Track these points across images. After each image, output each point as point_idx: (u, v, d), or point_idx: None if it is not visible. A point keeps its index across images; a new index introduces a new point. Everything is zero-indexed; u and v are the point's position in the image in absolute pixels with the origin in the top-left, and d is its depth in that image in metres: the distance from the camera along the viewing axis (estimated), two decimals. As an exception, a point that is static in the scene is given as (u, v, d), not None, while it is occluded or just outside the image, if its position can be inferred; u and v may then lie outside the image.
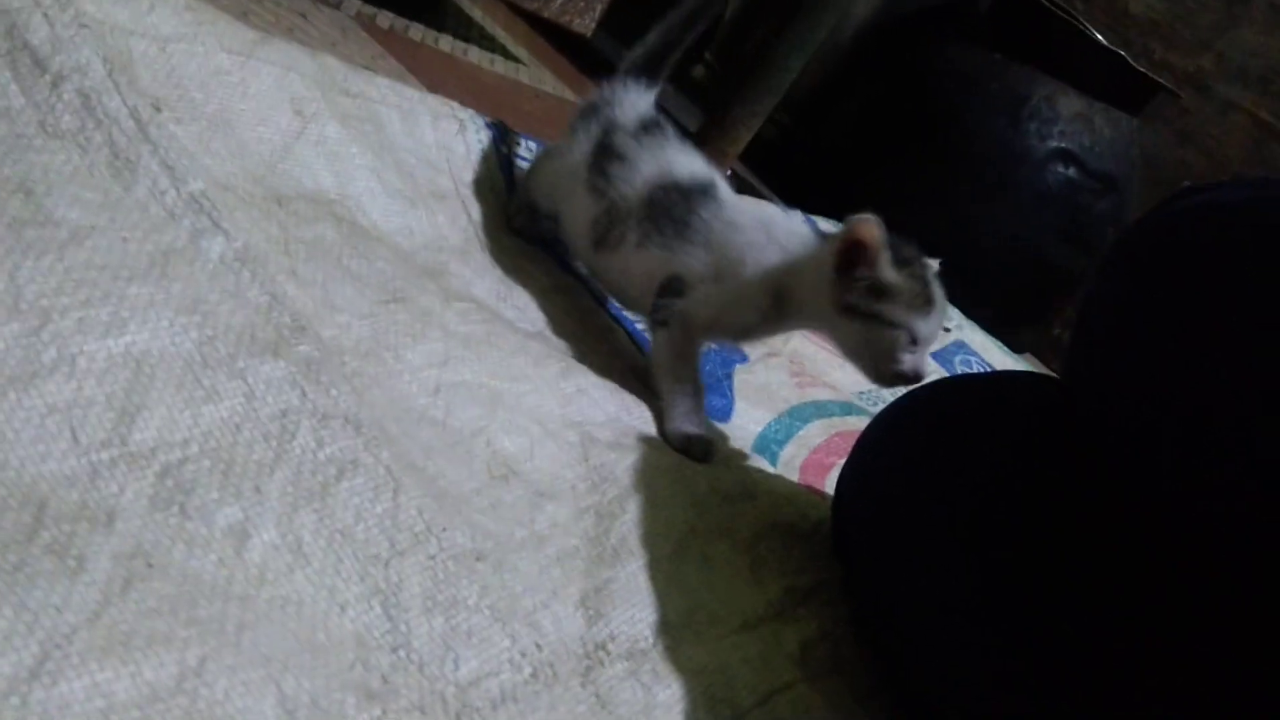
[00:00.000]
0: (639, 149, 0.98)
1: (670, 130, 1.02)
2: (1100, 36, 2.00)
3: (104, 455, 0.51)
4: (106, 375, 0.54)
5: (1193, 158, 2.37)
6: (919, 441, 0.83)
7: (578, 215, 1.01)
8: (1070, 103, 1.94)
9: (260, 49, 0.89)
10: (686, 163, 0.98)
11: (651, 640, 0.65)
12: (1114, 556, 0.68)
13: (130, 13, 0.78)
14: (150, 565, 0.47)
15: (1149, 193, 2.23)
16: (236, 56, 0.86)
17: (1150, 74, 1.97)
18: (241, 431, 0.56)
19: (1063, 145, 1.92)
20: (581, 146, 1.01)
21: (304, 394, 0.61)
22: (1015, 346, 2.10)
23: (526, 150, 1.20)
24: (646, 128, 1.00)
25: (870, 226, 0.85)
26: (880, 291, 0.86)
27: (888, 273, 0.86)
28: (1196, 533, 0.64)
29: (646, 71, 1.05)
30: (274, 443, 0.57)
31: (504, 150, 1.17)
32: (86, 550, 0.45)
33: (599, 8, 1.78)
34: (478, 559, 0.60)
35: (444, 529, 0.60)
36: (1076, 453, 0.73)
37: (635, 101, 1.03)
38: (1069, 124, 1.93)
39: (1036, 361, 2.32)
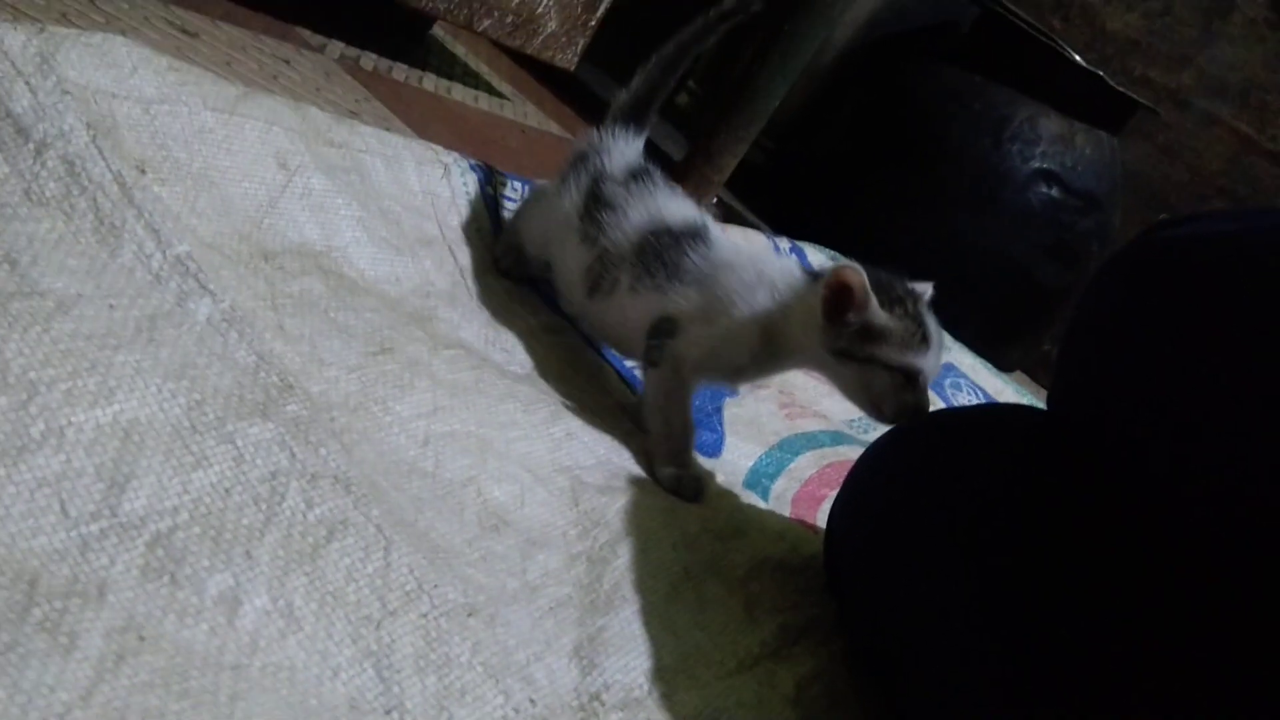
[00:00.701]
0: (629, 196, 0.99)
1: (659, 176, 1.03)
2: (1079, 57, 2.02)
3: (94, 527, 0.51)
4: (95, 446, 0.54)
5: (1175, 172, 2.39)
6: (908, 475, 0.84)
7: (571, 264, 1.02)
8: (1051, 123, 1.95)
9: (243, 105, 0.90)
10: (676, 208, 0.99)
11: (646, 688, 0.66)
12: (1107, 583, 0.69)
13: (113, 77, 0.79)
14: (142, 638, 0.47)
15: (1133, 207, 2.25)
16: (220, 114, 0.86)
17: (1129, 92, 1.99)
18: (231, 496, 0.57)
19: (1045, 165, 1.94)
20: (572, 195, 1.02)
21: (293, 455, 0.61)
22: (1004, 364, 2.11)
23: (512, 190, 1.21)
24: (635, 175, 1.01)
25: (853, 272, 0.85)
26: (872, 334, 0.87)
27: (878, 316, 0.86)
28: (1185, 556, 0.65)
29: (633, 118, 1.06)
30: (264, 506, 0.57)
31: (489, 191, 1.18)
32: (78, 626, 0.46)
33: (581, 42, 1.79)
34: (470, 614, 0.61)
35: (435, 585, 0.60)
36: (1065, 482, 0.74)
37: (624, 150, 1.04)
38: (1051, 144, 1.94)
39: (1026, 379, 2.33)
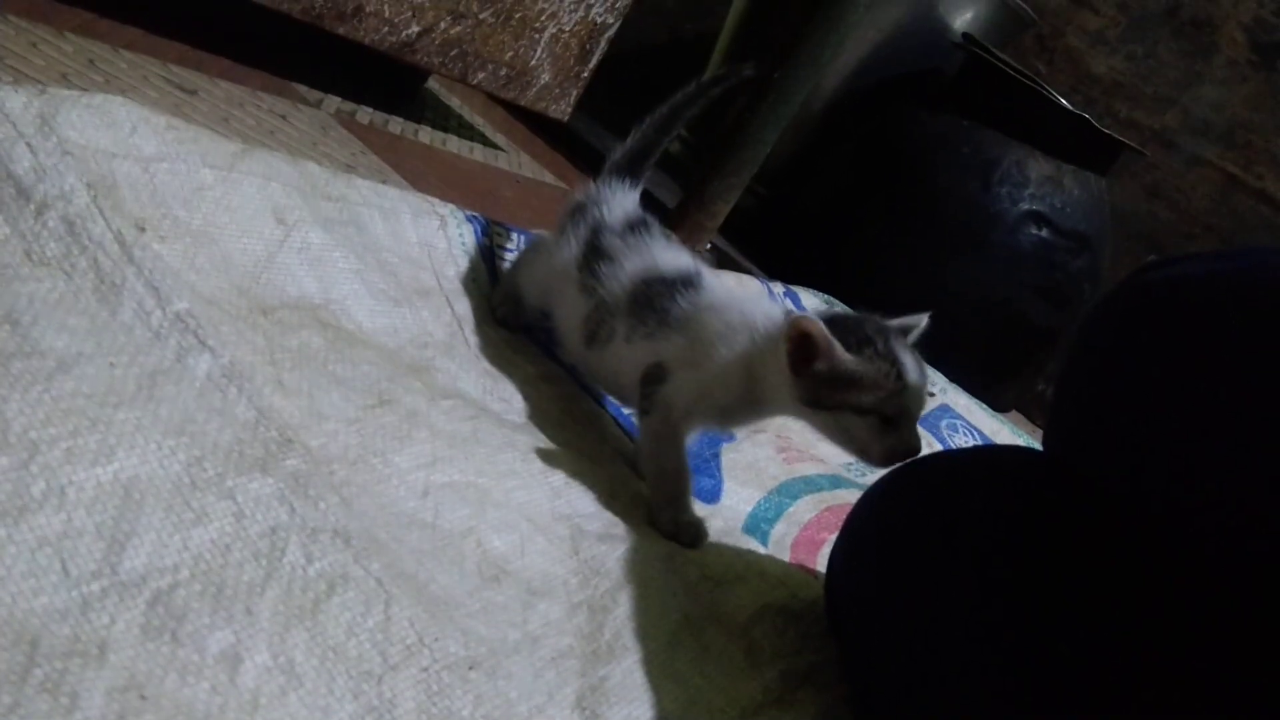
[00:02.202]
0: (625, 248, 1.00)
1: (656, 227, 1.04)
2: (1064, 100, 2.04)
3: (95, 586, 0.51)
4: (96, 504, 0.54)
5: (1162, 211, 2.41)
6: (905, 519, 0.84)
7: (570, 314, 1.02)
8: (1040, 165, 1.97)
9: (242, 161, 0.91)
10: (671, 257, 1.00)
11: (649, 739, 0.66)
12: (1109, 625, 0.69)
13: (113, 137, 0.80)
14: (143, 697, 0.47)
15: (1121, 247, 2.27)
16: (219, 171, 0.87)
17: (1115, 134, 2.02)
18: (231, 552, 0.57)
19: (1034, 207, 1.96)
20: (571, 247, 1.03)
21: (293, 509, 0.61)
22: (998, 405, 2.12)
23: (510, 240, 1.22)
24: (633, 227, 1.02)
25: (809, 322, 0.84)
26: (841, 380, 0.85)
27: (845, 361, 0.84)
28: (1187, 596, 0.65)
29: (629, 172, 1.08)
30: (264, 561, 0.58)
31: (485, 242, 1.19)
32: (79, 686, 0.46)
33: (574, 93, 1.82)
34: (471, 667, 0.60)
35: (436, 639, 0.60)
36: (1063, 523, 0.75)
37: (621, 201, 1.05)
38: (1039, 186, 1.96)
39: (1022, 418, 2.34)
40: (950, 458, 0.92)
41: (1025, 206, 1.95)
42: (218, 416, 0.65)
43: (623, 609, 0.77)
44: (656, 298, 0.95)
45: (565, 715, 0.63)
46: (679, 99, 1.09)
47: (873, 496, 0.89)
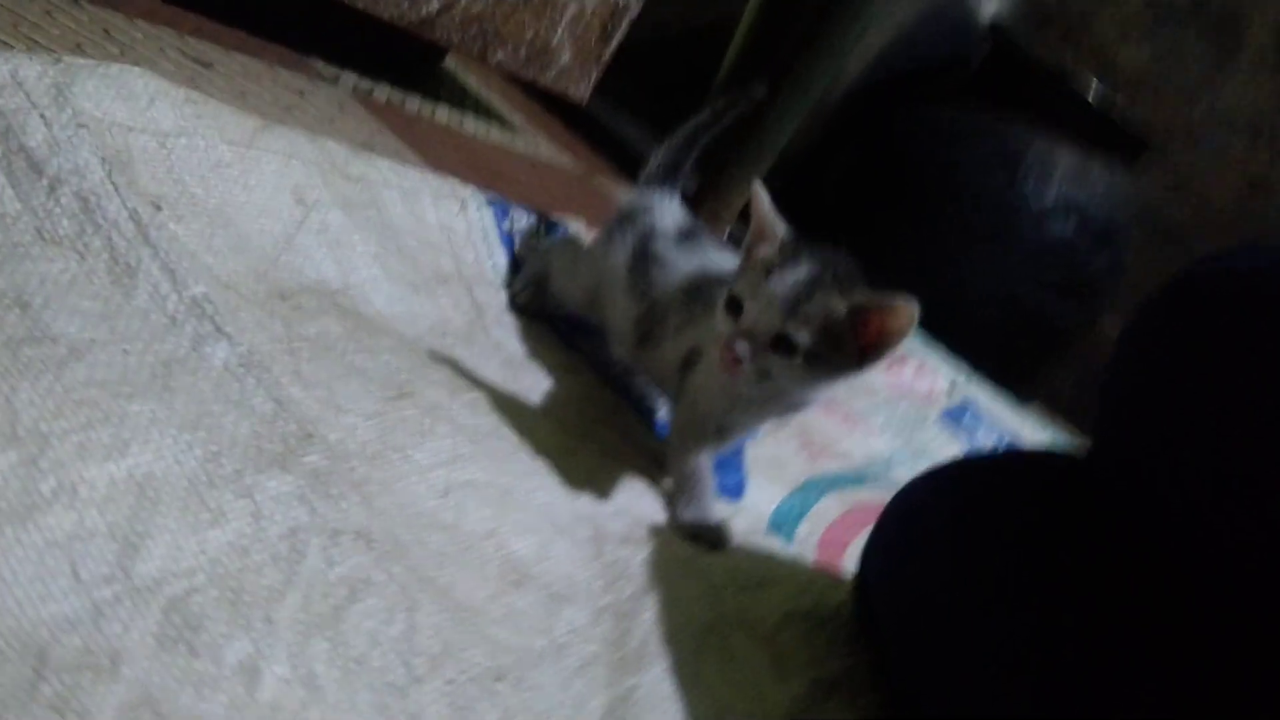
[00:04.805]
0: (678, 254, 1.00)
1: (706, 233, 1.06)
2: (1090, 92, 2.00)
3: (107, 592, 0.48)
4: (108, 503, 0.52)
5: (1184, 207, 2.37)
6: (940, 523, 0.81)
7: (621, 317, 1.02)
8: (1066, 157, 1.94)
9: (261, 138, 0.88)
10: (721, 259, 0.99)
11: (680, 755, 0.63)
12: (1153, 633, 0.66)
13: (129, 109, 0.77)
14: (158, 714, 0.44)
15: (1142, 244, 2.23)
16: (237, 147, 0.84)
17: (1140, 127, 1.98)
18: (250, 555, 0.54)
19: (1060, 200, 1.92)
20: (620, 252, 1.02)
21: (313, 509, 0.59)
22: (1023, 397, 2.09)
23: (523, 223, 1.19)
24: (685, 234, 1.03)
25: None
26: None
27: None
28: (1234, 604, 0.63)
29: (668, 179, 1.08)
30: (283, 565, 0.55)
31: (505, 227, 1.16)
32: (90, 703, 0.43)
33: (594, 74, 1.78)
34: (497, 679, 0.58)
35: (461, 649, 0.57)
36: (1107, 529, 0.72)
37: (670, 208, 1.06)
38: (1065, 178, 1.93)
39: (1045, 411, 2.31)
40: (984, 461, 0.89)
41: (1051, 199, 1.91)
42: (235, 408, 0.62)
43: (648, 614, 0.74)
44: (704, 290, 0.94)
45: (594, 730, 0.60)
46: (693, 125, 1.09)
47: (905, 498, 0.86)
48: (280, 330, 0.74)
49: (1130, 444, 0.73)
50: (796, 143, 1.96)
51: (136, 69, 0.81)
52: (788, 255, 0.83)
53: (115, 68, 0.79)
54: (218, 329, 0.66)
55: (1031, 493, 0.79)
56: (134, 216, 0.68)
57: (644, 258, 1.01)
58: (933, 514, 0.82)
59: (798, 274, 0.81)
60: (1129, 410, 0.74)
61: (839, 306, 0.81)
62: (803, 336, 0.80)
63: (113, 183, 0.70)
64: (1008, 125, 1.95)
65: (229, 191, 0.82)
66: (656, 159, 1.09)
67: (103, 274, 0.64)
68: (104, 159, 0.71)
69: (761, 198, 0.89)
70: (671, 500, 0.92)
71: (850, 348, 0.82)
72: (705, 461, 0.92)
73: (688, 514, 0.90)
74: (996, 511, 0.78)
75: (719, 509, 0.94)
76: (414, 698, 0.53)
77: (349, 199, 0.93)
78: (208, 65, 1.22)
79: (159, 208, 0.74)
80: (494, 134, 1.78)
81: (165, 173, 0.77)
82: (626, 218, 1.05)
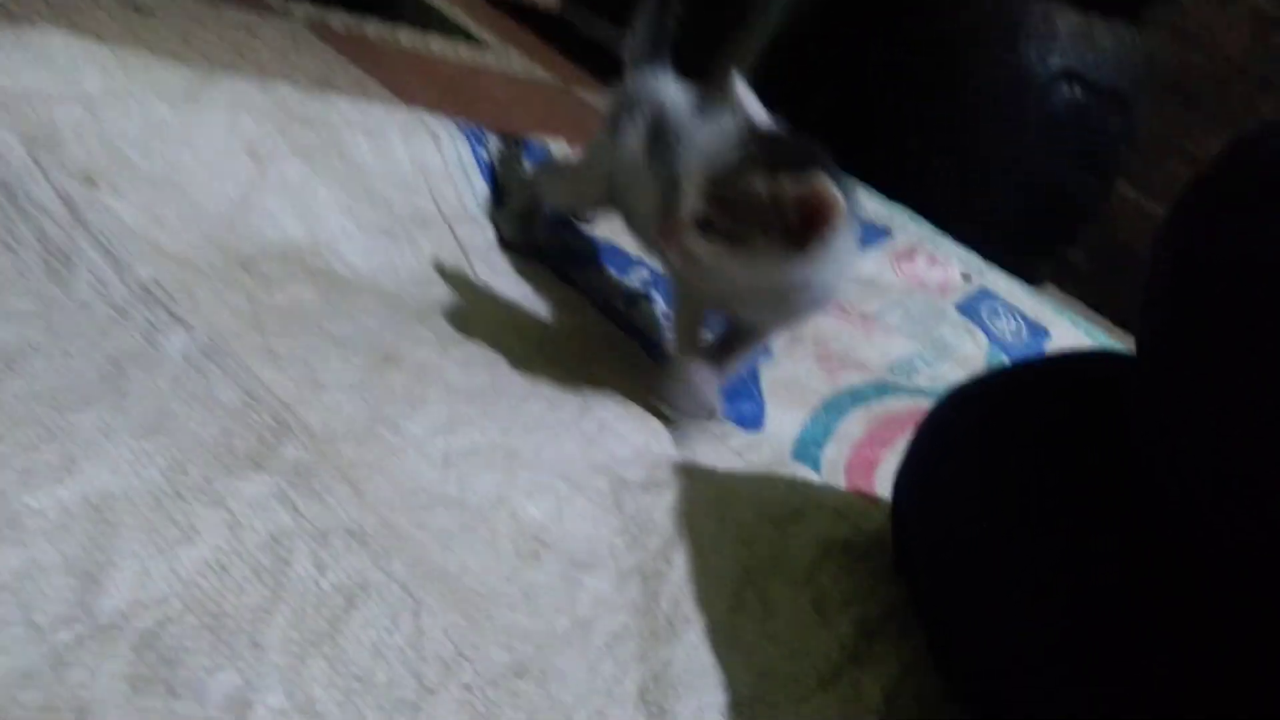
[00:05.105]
0: (698, 126, 0.92)
1: (721, 101, 0.92)
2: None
3: (67, 635, 0.43)
4: (61, 532, 0.46)
5: (1195, 58, 2.26)
6: (978, 441, 0.75)
7: (643, 204, 0.94)
8: (1067, 18, 1.82)
9: (203, 91, 0.80)
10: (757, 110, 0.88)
11: (725, 730, 0.58)
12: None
13: (49, 77, 0.69)
14: (136, 777, 0.39)
15: (1156, 101, 2.12)
16: (176, 105, 0.76)
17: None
18: (229, 572, 0.48)
19: (1065, 65, 1.81)
20: (633, 139, 0.95)
21: (296, 510, 0.53)
22: (1033, 279, 2.01)
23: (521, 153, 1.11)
24: (701, 106, 0.95)
25: None
26: None
27: None
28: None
29: (657, 55, 1.00)
30: (268, 579, 0.49)
31: (483, 156, 1.08)
32: (56, 777, 0.38)
33: (562, -22, 1.68)
34: (519, 675, 0.53)
35: (476, 647, 0.52)
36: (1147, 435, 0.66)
37: (673, 83, 0.98)
38: (1069, 41, 1.82)
39: (1057, 291, 2.24)
40: (1024, 371, 0.83)
41: (1055, 65, 1.81)
42: (199, 406, 0.55)
43: (677, 571, 0.69)
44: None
45: (628, 714, 0.55)
46: None
47: (938, 415, 0.80)
48: (244, 305, 0.67)
49: (1182, 342, 0.66)
50: (788, 29, 1.87)
51: (55, 31, 0.73)
52: (726, 139, 0.79)
53: (31, 32, 0.72)
54: (172, 315, 0.60)
55: (1067, 406, 0.73)
56: (65, 198, 0.61)
57: (661, 137, 0.93)
58: (963, 436, 0.76)
59: (727, 157, 0.78)
60: (1179, 302, 0.67)
61: (759, 188, 0.76)
62: (723, 220, 0.77)
63: (37, 163, 0.62)
64: (1003, -10, 1.84)
65: (173, 155, 0.74)
66: (637, 34, 1.02)
67: (36, 268, 0.58)
68: (24, 137, 0.63)
69: (738, 88, 0.83)
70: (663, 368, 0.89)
71: (775, 231, 0.77)
72: (707, 371, 0.88)
73: (674, 381, 0.88)
74: (1029, 429, 0.72)
75: (739, 436, 0.89)
76: (427, 712, 0.48)
77: (308, 147, 0.86)
78: (145, 11, 1.13)
79: (93, 183, 0.67)
80: (463, 52, 1.69)
81: (98, 143, 0.70)
82: (631, 103, 0.98)
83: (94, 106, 0.71)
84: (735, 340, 0.90)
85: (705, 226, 0.77)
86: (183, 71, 0.80)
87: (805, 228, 0.76)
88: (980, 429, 0.76)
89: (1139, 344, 0.70)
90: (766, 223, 0.76)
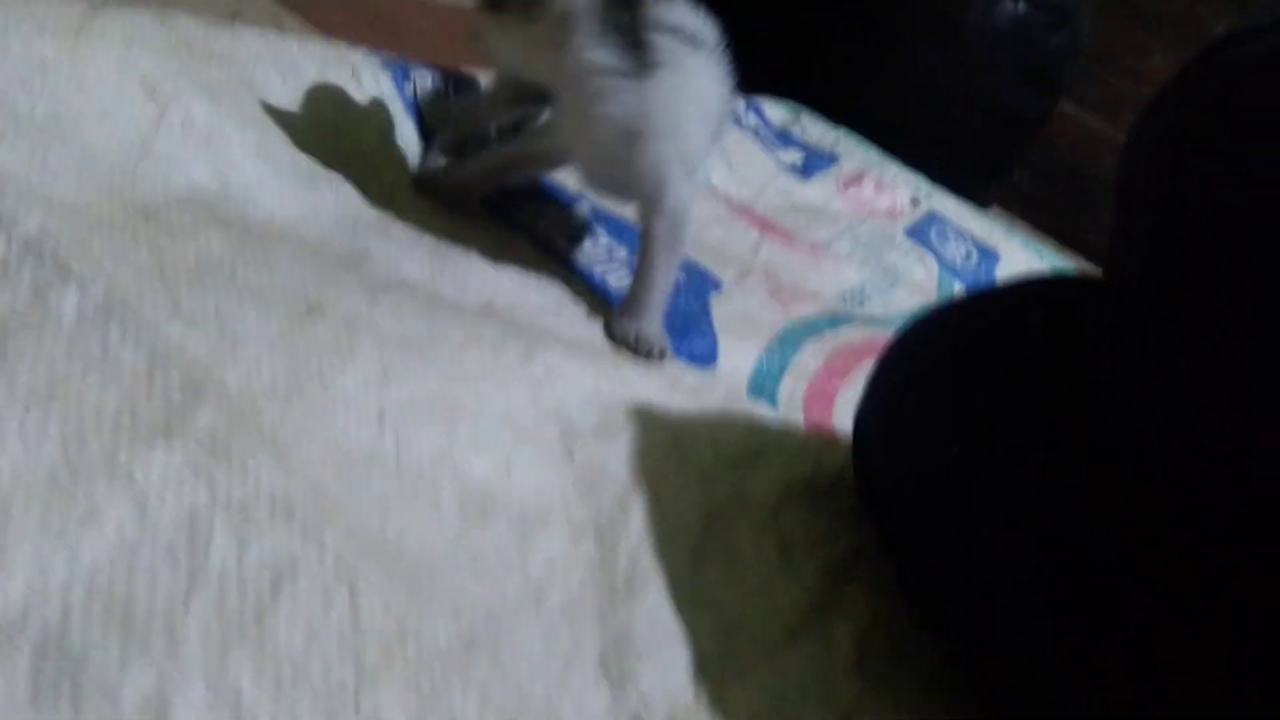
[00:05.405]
0: None
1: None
2: None
3: (-48, 642, 0.38)
4: (-60, 523, 0.40)
5: (1136, -31, 2.23)
6: (946, 377, 0.71)
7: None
8: (1010, -69, 1.78)
9: (92, 23, 0.73)
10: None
11: (693, 692, 0.55)
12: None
13: (-91, 11, 0.62)
14: (37, 798, 0.35)
15: (1099, 14, 2.09)
16: (62, 40, 0.69)
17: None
18: (138, 556, 0.43)
19: (1007, -21, 1.78)
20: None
21: (212, 482, 0.48)
22: (980, 200, 1.99)
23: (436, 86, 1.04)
24: None
25: None
26: None
27: None
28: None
29: None
30: (183, 561, 0.44)
31: (407, 91, 1.02)
32: (-62, 809, 0.33)
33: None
34: (468, 648, 0.48)
35: (420, 620, 0.48)
36: (1118, 363, 0.63)
37: None
38: (1010, -45, 1.78)
39: (1003, 213, 2.22)
40: (984, 300, 0.79)
41: (997, -20, 1.77)
42: (97, 369, 0.50)
43: (635, 522, 0.65)
44: None
45: (590, 686, 0.52)
46: None
47: (903, 349, 0.77)
48: (147, 258, 0.61)
49: (1153, 263, 0.63)
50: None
51: (-87, -43, 0.65)
52: None
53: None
54: (66, 271, 0.54)
55: (1031, 335, 0.69)
56: (-67, 146, 0.55)
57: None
58: (926, 368, 0.73)
59: None
60: (1147, 224, 0.64)
61: None
62: None
63: (-100, 107, 0.56)
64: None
65: (61, 96, 0.67)
66: None
67: (-96, 226, 0.51)
68: (-116, 78, 0.56)
69: None
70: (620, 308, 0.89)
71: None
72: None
73: (640, 320, 0.87)
74: (993, 360, 0.68)
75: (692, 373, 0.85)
76: (369, 697, 0.44)
77: (214, 85, 0.79)
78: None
79: (-30, 130, 0.60)
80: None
81: (-28, 85, 0.63)
82: None
83: (-34, 44, 0.64)
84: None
85: (489, 6, 0.82)
86: (67, 5, 0.72)
87: None
88: (943, 361, 0.72)
89: (1109, 275, 0.66)
90: None
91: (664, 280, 0.89)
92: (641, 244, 0.89)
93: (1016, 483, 0.63)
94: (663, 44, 0.83)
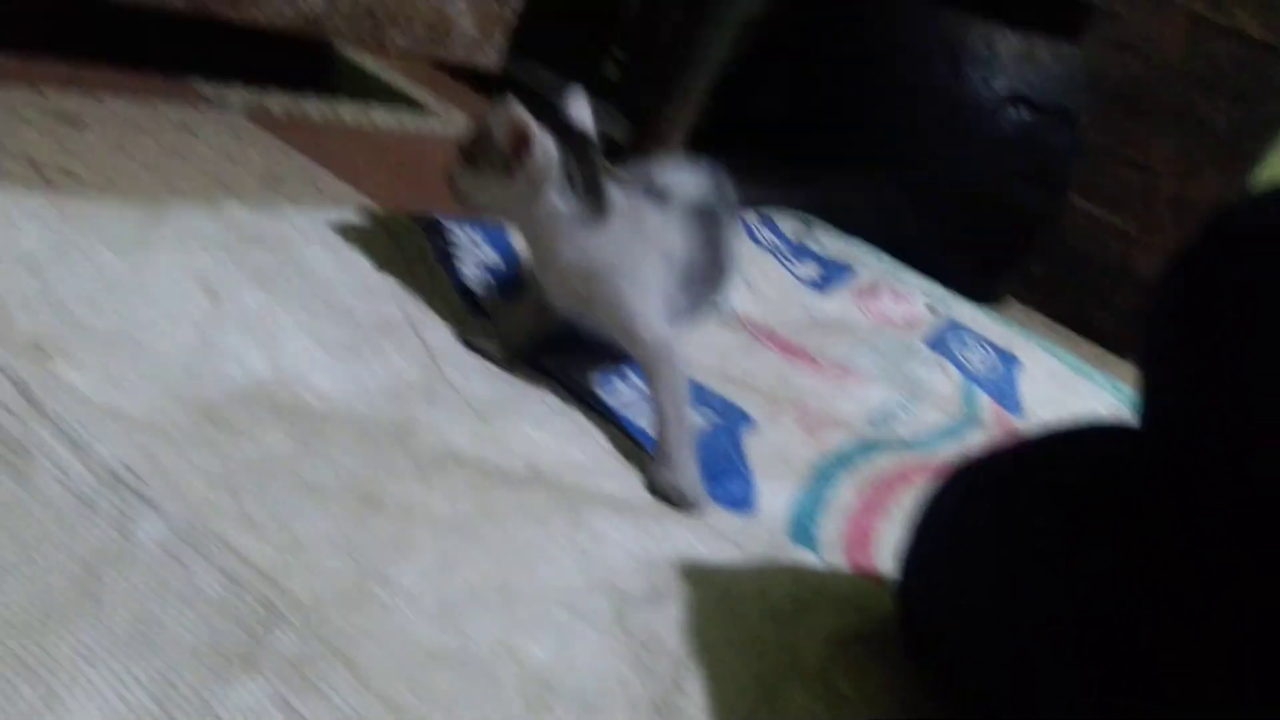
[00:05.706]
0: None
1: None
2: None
3: None
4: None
5: (1133, 64, 2.28)
6: (996, 532, 0.73)
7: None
8: (1009, 42, 1.83)
9: (151, 230, 0.77)
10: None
11: None
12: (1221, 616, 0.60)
13: (-14, 242, 0.66)
14: None
15: (1100, 111, 2.14)
16: (125, 251, 0.73)
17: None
18: (231, 799, 0.45)
19: (1010, 88, 1.82)
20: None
21: (292, 709, 0.50)
22: (992, 294, 2.02)
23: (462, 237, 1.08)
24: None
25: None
26: None
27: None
28: None
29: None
30: (273, 799, 0.46)
31: (441, 245, 1.06)
32: None
33: (501, 38, 1.65)
34: None
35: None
36: (1165, 508, 0.65)
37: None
38: (1011, 63, 1.83)
39: (1016, 302, 2.25)
40: (1026, 447, 0.81)
41: (1000, 87, 1.82)
42: (180, 603, 0.52)
43: (692, 695, 0.67)
44: None
45: None
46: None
47: (946, 502, 0.78)
48: (216, 466, 0.64)
49: (1188, 416, 0.65)
50: (732, 63, 1.86)
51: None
52: None
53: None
54: (142, 497, 0.56)
55: (1078, 485, 0.72)
56: (18, 384, 0.57)
57: None
58: (974, 523, 0.74)
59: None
60: (1176, 378, 0.66)
61: (486, 120, 0.92)
62: (470, 150, 0.93)
63: (-17, 343, 0.59)
64: (944, 16, 1.84)
65: (127, 309, 0.71)
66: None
67: (-7, 466, 0.54)
68: (-34, 314, 0.60)
69: (516, 109, 0.90)
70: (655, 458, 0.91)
71: (500, 156, 0.91)
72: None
73: (674, 472, 0.90)
74: (1042, 514, 0.71)
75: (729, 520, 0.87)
76: None
77: (264, 270, 0.83)
78: (78, 123, 1.09)
79: (45, 353, 0.63)
80: (406, 120, 1.65)
81: (45, 307, 0.66)
82: None
83: (38, 266, 0.67)
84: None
85: (466, 158, 0.92)
86: (127, 213, 0.76)
87: (514, 151, 0.89)
88: (991, 515, 0.74)
89: (1148, 428, 0.69)
90: (489, 149, 0.91)
91: (677, 421, 0.91)
92: (648, 388, 0.94)
93: (1072, 636, 0.65)
94: (618, 194, 0.93)
